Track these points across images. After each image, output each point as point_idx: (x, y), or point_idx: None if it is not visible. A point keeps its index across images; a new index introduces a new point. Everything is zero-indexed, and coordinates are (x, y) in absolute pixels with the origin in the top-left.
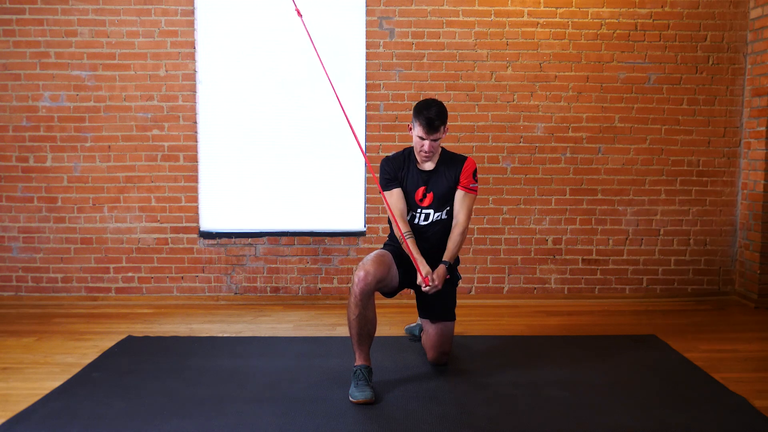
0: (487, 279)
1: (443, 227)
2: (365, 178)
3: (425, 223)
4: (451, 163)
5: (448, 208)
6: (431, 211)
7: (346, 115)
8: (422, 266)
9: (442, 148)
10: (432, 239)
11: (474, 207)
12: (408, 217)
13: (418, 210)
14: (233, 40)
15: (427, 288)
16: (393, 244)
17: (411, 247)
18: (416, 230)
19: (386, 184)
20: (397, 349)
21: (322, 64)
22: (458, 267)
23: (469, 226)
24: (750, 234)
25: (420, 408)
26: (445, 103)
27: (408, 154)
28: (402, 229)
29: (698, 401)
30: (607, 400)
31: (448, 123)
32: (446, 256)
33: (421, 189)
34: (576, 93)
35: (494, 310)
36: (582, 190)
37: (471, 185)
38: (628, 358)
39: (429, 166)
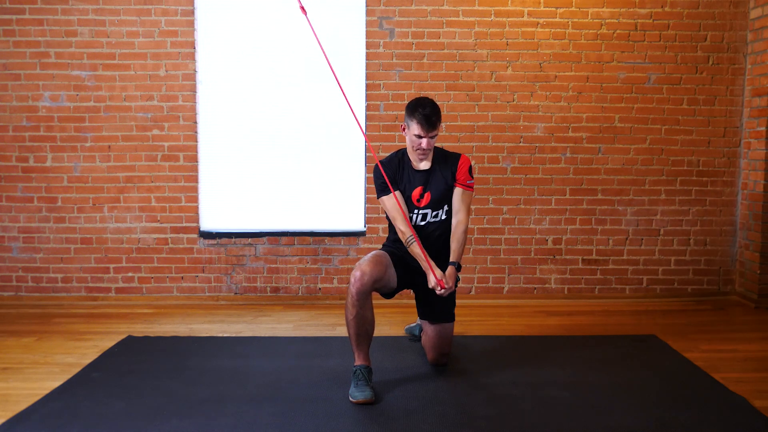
0: (487, 279)
1: (441, 227)
2: (365, 178)
3: (422, 223)
4: (445, 162)
5: (446, 208)
6: (428, 211)
7: (352, 110)
8: (435, 269)
9: (435, 146)
10: (430, 239)
11: (472, 205)
12: (409, 215)
13: (416, 211)
14: (233, 40)
15: (442, 291)
16: (391, 246)
17: (422, 249)
18: (415, 230)
19: (387, 187)
20: (397, 349)
21: (328, 61)
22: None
23: (469, 225)
24: (750, 234)
25: (420, 408)
26: (445, 103)
27: (401, 156)
28: (408, 231)
29: (698, 401)
30: (607, 400)
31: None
32: (453, 257)
33: (418, 189)
34: (576, 93)
35: (494, 310)
36: (582, 190)
37: (468, 182)
38: (628, 358)
39: (425, 165)
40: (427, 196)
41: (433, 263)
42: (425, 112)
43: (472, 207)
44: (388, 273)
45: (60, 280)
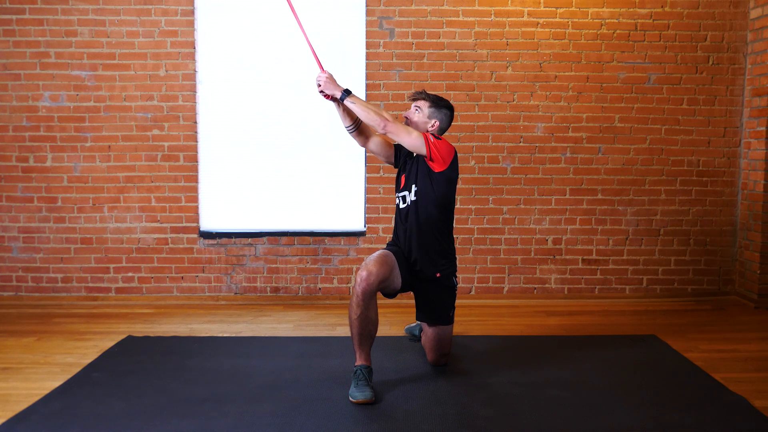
0: (487, 279)
1: (416, 213)
2: (365, 178)
3: (403, 206)
4: None
5: (414, 188)
6: (406, 193)
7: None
8: (323, 65)
9: None
10: (409, 228)
11: (468, 207)
12: (397, 201)
13: (399, 194)
14: (233, 40)
15: (318, 81)
16: (395, 245)
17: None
18: (400, 217)
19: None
20: (397, 349)
21: (307, 38)
22: (458, 268)
23: (468, 226)
24: (750, 234)
25: (420, 408)
26: None
27: None
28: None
29: (698, 401)
30: (607, 400)
31: (441, 121)
32: (353, 91)
33: (404, 175)
34: (576, 93)
35: (494, 310)
36: (582, 190)
37: (426, 131)
38: (628, 358)
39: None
40: (403, 178)
41: (320, 59)
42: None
43: (471, 207)
44: (394, 273)
45: (60, 280)
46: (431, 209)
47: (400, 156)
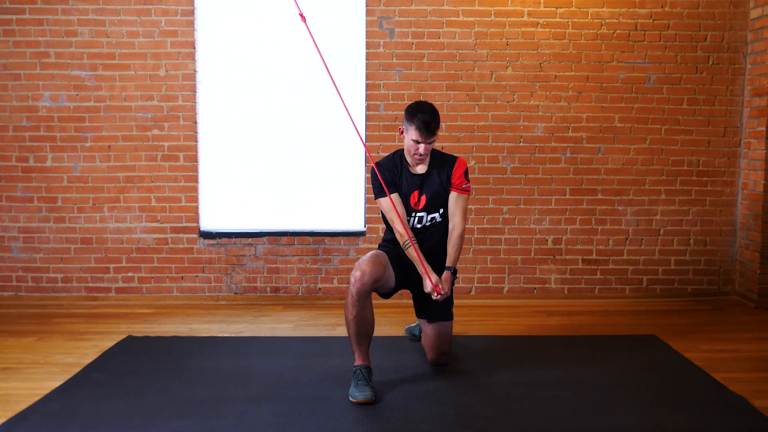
0: (487, 279)
1: (437, 229)
2: (365, 178)
3: (419, 226)
4: (442, 165)
5: (441, 210)
6: (424, 214)
7: (349, 114)
8: (431, 274)
9: (432, 148)
10: (428, 242)
11: (468, 206)
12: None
13: (413, 213)
14: (233, 40)
15: (438, 297)
16: (388, 245)
17: (418, 253)
18: (414, 232)
19: (385, 188)
20: (397, 349)
21: (327, 68)
22: (458, 268)
23: (467, 226)
24: (750, 234)
25: (420, 408)
26: (445, 103)
27: (399, 158)
28: (405, 234)
29: (698, 401)
30: (607, 400)
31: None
32: (449, 261)
33: (416, 192)
34: (576, 93)
35: (494, 310)
36: (582, 190)
37: (464, 186)
38: (628, 358)
39: (421, 169)
40: (423, 200)
41: (429, 268)
42: (424, 118)
43: (471, 207)
44: (387, 273)
45: (60, 280)
46: (454, 228)
47: (397, 178)
